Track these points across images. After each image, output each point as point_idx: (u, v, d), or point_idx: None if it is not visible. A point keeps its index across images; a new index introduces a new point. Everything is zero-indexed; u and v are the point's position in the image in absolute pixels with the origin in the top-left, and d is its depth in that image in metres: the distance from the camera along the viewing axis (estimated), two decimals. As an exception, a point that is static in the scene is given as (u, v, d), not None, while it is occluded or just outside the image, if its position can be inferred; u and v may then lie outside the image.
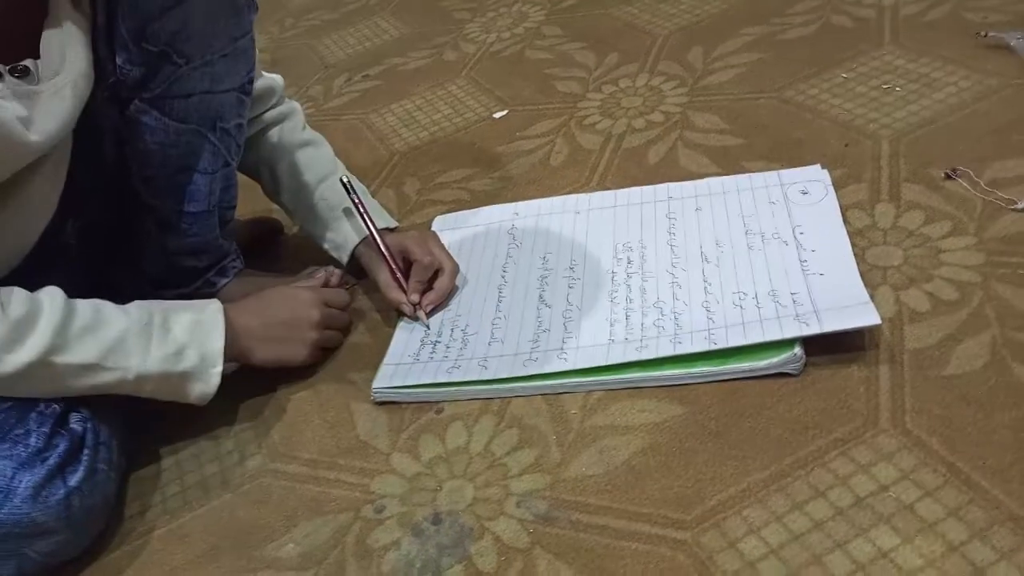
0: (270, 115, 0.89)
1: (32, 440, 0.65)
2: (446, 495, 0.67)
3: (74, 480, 0.66)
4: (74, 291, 0.80)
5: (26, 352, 0.64)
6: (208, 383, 0.72)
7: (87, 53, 0.68)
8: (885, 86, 1.00)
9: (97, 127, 0.74)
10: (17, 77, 0.64)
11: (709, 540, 0.59)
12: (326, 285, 0.86)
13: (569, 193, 0.97)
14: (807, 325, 0.69)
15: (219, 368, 0.71)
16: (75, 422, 0.69)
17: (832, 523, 0.58)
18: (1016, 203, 0.78)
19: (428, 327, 0.82)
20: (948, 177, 0.83)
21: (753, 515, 0.60)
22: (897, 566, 0.55)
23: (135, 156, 0.76)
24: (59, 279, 0.79)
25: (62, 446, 0.66)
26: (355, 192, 0.85)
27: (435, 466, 0.70)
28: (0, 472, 0.63)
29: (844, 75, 1.04)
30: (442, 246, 0.87)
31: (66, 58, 0.66)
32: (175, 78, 0.72)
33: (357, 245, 0.86)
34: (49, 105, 0.65)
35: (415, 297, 0.83)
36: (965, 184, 0.82)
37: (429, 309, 0.83)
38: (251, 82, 0.80)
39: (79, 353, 0.66)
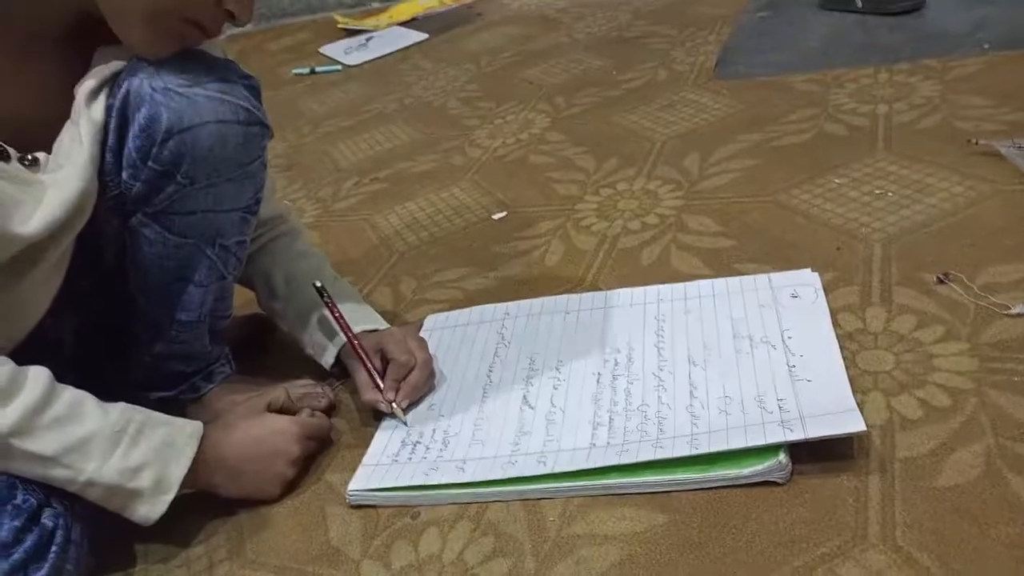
0: (273, 232, 0.92)
1: (2, 533, 0.64)
2: (414, 606, 0.64)
3: None
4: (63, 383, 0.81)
5: None
6: (155, 508, 0.69)
7: (92, 161, 0.70)
8: (878, 191, 1.00)
9: (99, 234, 0.76)
10: (26, 165, 0.67)
11: (685, 663, 0.55)
12: (310, 405, 0.84)
13: (562, 293, 0.97)
14: (791, 431, 0.67)
15: (170, 496, 0.69)
16: (47, 517, 0.67)
17: (817, 647, 0.54)
18: (1010, 308, 0.76)
19: (406, 423, 0.81)
20: (940, 281, 0.82)
21: (733, 636, 0.56)
22: None
23: (133, 264, 0.77)
24: (53, 372, 0.80)
25: (29, 542, 0.65)
26: (328, 296, 0.85)
27: (405, 575, 0.67)
28: None
29: (837, 180, 1.05)
30: (420, 340, 0.87)
31: (72, 160, 0.69)
32: (178, 196, 0.73)
33: (340, 348, 0.87)
34: (45, 197, 0.67)
35: (391, 395, 0.82)
36: (958, 289, 0.81)
37: (405, 404, 0.82)
38: (258, 202, 0.80)
39: (40, 443, 0.65)
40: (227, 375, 0.88)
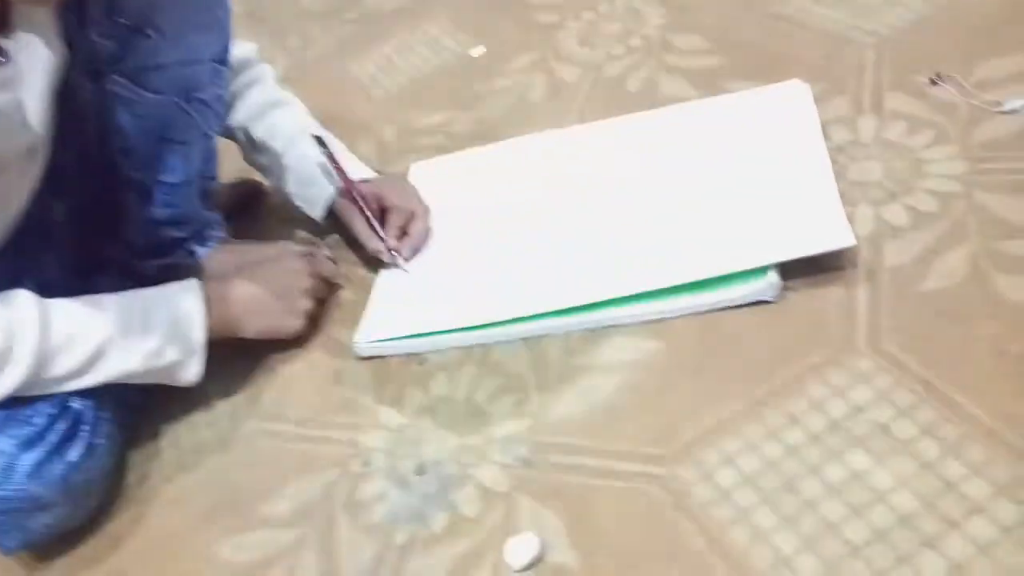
0: (244, 79, 0.89)
1: (36, 420, 0.68)
2: (430, 445, 0.68)
3: (73, 456, 0.68)
4: (64, 267, 0.82)
5: (10, 379, 0.65)
6: (191, 371, 0.73)
7: (54, 24, 0.66)
8: (871, -11, 0.95)
9: (79, 110, 0.74)
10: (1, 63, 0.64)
11: (685, 473, 0.60)
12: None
13: (549, 129, 0.95)
14: (780, 250, 0.68)
15: (200, 357, 0.72)
16: (75, 401, 0.70)
17: (806, 449, 0.58)
18: (1001, 104, 0.75)
19: (408, 271, 0.83)
20: (933, 83, 0.80)
21: (729, 446, 0.60)
22: (870, 487, 0.55)
23: (113, 129, 0.76)
24: (50, 256, 0.80)
25: (62, 424, 0.68)
26: (326, 145, 0.84)
27: (419, 417, 0.71)
28: (4, 451, 0.66)
29: (829, -20, 0.99)
30: (414, 188, 0.87)
31: (35, 30, 0.65)
32: (149, 50, 0.72)
33: (333, 199, 0.86)
34: (31, 86, 0.65)
35: (392, 243, 0.83)
36: (951, 88, 0.79)
37: (408, 254, 0.83)
38: (227, 51, 0.79)
39: (63, 364, 0.67)
40: (221, 238, 0.88)
